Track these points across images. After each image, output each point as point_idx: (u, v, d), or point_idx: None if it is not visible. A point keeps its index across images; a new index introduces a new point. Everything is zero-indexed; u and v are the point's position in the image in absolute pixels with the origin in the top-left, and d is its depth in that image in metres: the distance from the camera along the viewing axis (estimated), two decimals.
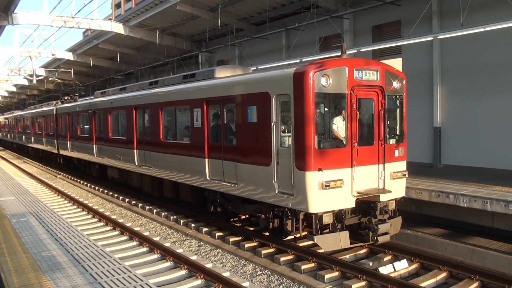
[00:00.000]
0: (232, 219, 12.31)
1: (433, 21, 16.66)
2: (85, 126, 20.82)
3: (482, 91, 15.51)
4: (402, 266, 8.91)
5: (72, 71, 36.76)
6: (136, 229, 11.99)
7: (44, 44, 32.74)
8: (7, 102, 79.98)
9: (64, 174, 24.65)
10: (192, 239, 11.50)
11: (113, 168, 17.99)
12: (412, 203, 12.06)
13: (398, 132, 10.02)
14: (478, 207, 10.39)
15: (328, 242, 8.65)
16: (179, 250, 9.82)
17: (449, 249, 9.99)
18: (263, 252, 9.83)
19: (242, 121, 10.12)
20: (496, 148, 15.11)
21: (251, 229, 11.59)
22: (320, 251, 9.35)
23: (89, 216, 13.86)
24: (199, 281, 8.16)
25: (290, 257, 9.47)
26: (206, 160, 11.28)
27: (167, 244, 10.36)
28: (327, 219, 8.62)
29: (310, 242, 9.98)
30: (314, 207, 8.40)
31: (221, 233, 11.45)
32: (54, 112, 26.25)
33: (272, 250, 9.97)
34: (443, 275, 8.52)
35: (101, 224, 12.88)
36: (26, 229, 8.97)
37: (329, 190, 8.40)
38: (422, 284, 8.09)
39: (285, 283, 8.34)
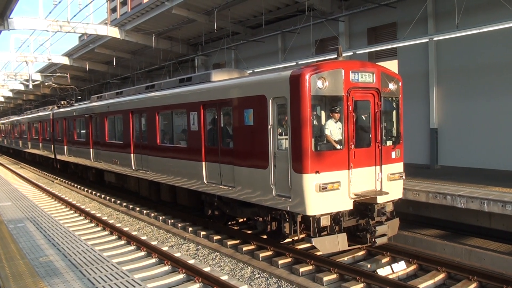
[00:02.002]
0: (229, 223, 12.30)
1: (428, 23, 16.73)
2: (82, 131, 20.78)
3: (478, 92, 15.57)
4: (400, 268, 8.91)
5: (68, 76, 36.78)
6: (134, 233, 11.97)
7: (40, 49, 32.84)
8: (3, 108, 79.78)
9: (61, 179, 24.58)
10: (190, 243, 11.48)
11: (110, 172, 17.95)
12: (409, 204, 12.08)
13: (394, 133, 10.05)
14: (475, 208, 10.41)
15: (326, 245, 8.66)
16: (177, 254, 9.79)
17: (447, 250, 10.01)
18: (261, 255, 9.81)
19: (239, 124, 10.13)
20: (492, 149, 15.17)
21: (249, 232, 11.58)
22: (318, 253, 9.35)
23: (87, 221, 13.82)
24: (197, 285, 8.14)
25: (288, 259, 9.46)
26: (203, 163, 11.28)
27: (165, 248, 10.33)
28: (325, 222, 8.62)
29: (308, 245, 10.01)
30: (312, 209, 8.40)
31: (218, 237, 11.43)
32: (51, 117, 26.21)
33: (270, 253, 9.96)
34: (441, 276, 8.53)
35: (99, 228, 12.85)
36: (23, 235, 8.94)
37: (327, 192, 8.41)
38: (421, 286, 8.09)
39: (283, 286, 8.33)
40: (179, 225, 12.92)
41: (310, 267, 8.99)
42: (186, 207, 13.79)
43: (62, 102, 28.74)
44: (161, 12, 23.29)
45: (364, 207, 9.20)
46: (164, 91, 13.70)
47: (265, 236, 10.69)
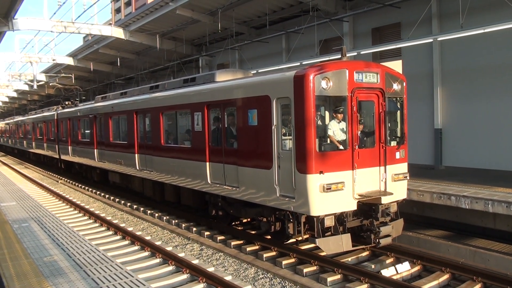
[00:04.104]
0: (233, 223, 12.30)
1: (432, 23, 16.68)
2: (86, 131, 20.85)
3: (483, 92, 15.50)
4: (404, 269, 8.89)
5: (73, 76, 36.85)
6: (138, 233, 11.99)
7: (45, 50, 32.88)
8: (8, 108, 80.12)
9: (66, 179, 24.66)
10: (194, 243, 11.49)
11: (114, 172, 17.99)
12: (413, 205, 12.04)
13: (399, 134, 10.02)
14: (480, 209, 10.38)
15: (330, 245, 8.64)
16: (181, 254, 9.81)
17: (451, 251, 9.98)
18: (265, 255, 9.81)
19: (243, 124, 10.13)
20: (497, 149, 15.10)
21: (253, 232, 11.58)
22: (322, 254, 9.34)
23: (91, 221, 13.85)
24: (201, 285, 8.15)
25: (292, 260, 9.46)
26: (207, 164, 11.28)
27: (169, 248, 10.35)
28: (329, 222, 8.61)
29: (312, 245, 10.00)
30: (316, 210, 8.39)
31: (222, 237, 11.44)
32: (55, 117, 26.29)
33: (274, 253, 9.96)
34: (445, 277, 8.51)
35: (103, 228, 12.88)
36: (27, 235, 8.97)
37: (331, 193, 8.40)
38: (425, 287, 8.08)
39: (287, 286, 8.32)
40: (183, 225, 12.93)
41: (314, 268, 8.98)
42: (190, 208, 13.80)
43: (67, 103, 28.84)
44: (165, 12, 23.32)
45: (368, 208, 9.18)
46: (168, 91, 13.72)
47: (269, 237, 10.69)
